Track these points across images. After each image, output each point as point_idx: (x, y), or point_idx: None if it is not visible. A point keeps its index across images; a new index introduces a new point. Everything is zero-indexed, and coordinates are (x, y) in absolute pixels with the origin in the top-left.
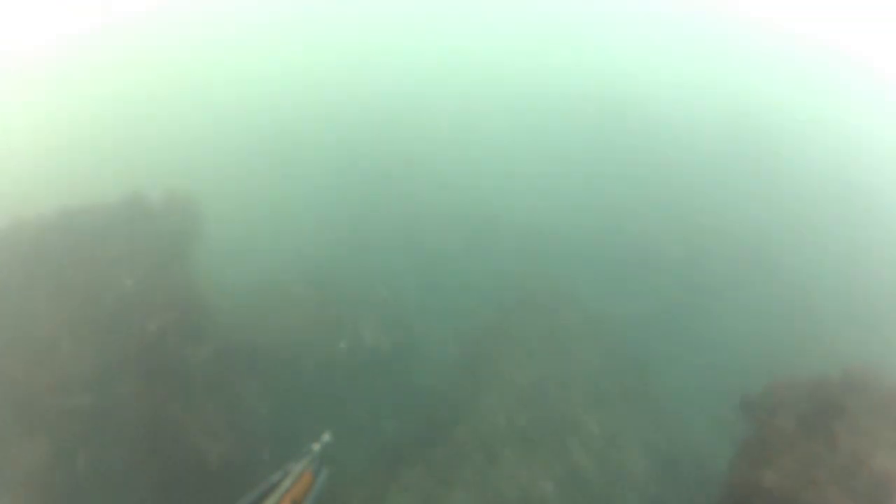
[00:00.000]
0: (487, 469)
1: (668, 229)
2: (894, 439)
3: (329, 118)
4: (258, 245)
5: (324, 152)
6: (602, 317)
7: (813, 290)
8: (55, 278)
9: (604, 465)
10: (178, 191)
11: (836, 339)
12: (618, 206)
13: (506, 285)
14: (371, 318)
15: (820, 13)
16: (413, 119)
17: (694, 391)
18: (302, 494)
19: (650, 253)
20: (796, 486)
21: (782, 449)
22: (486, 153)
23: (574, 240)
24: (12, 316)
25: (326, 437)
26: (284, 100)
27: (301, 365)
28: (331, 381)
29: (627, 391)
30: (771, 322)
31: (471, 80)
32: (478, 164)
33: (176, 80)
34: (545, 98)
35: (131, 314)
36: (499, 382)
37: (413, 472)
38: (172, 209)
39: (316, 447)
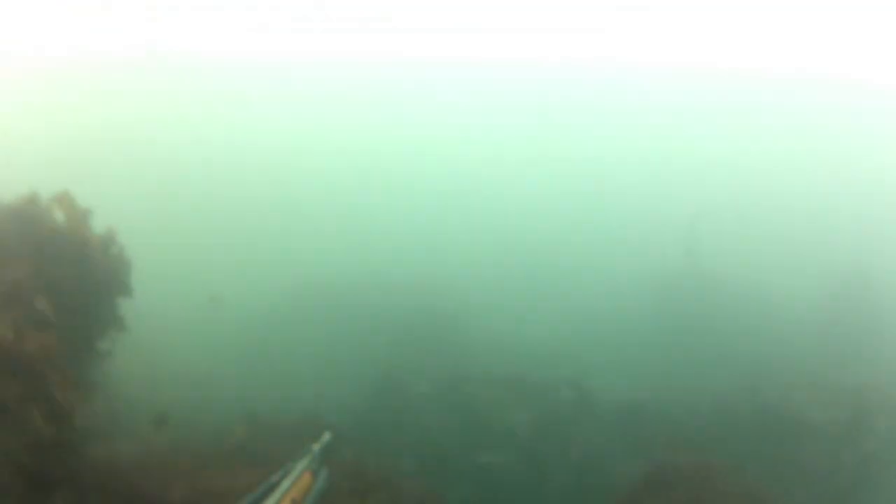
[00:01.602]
0: None
1: (810, 390)
2: None
3: (344, 246)
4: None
5: (339, 290)
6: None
7: None
8: None
9: None
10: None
11: None
12: (742, 365)
13: (609, 477)
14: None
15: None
16: (452, 257)
17: None
18: (302, 494)
19: (795, 420)
20: None
21: None
22: (549, 299)
23: (690, 408)
24: None
25: (327, 436)
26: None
27: None
28: None
29: None
30: None
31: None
32: (537, 313)
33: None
34: (614, 222)
35: None
36: None
37: None
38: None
39: (316, 447)
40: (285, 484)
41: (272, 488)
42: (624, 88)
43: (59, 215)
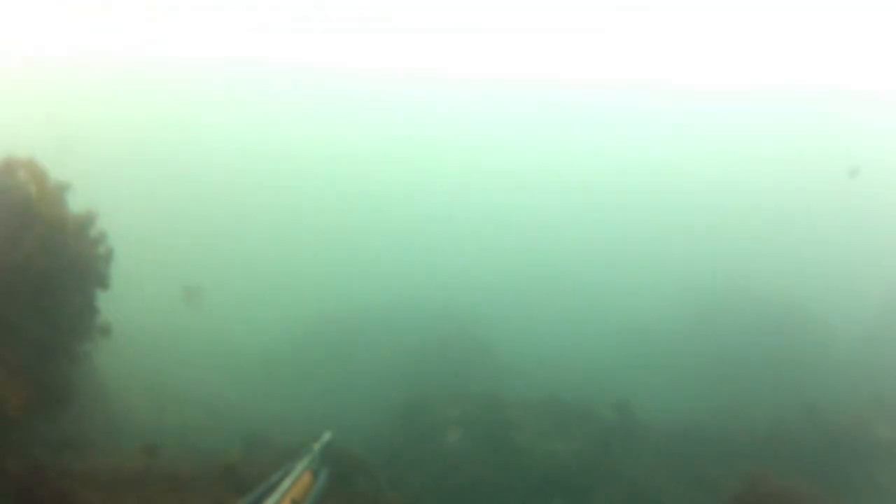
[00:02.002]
0: None
1: (873, 407)
2: None
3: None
4: None
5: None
6: None
7: None
8: None
9: None
10: None
11: None
12: (795, 382)
13: None
14: None
15: None
16: (481, 278)
17: None
18: (302, 494)
19: (863, 439)
20: None
21: None
22: (585, 319)
23: (747, 430)
24: None
25: (327, 436)
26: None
27: None
28: None
29: None
30: None
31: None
32: (572, 333)
33: None
34: (651, 237)
35: None
36: None
37: None
38: None
39: (316, 446)
40: (285, 483)
41: (272, 488)
42: (644, 104)
43: (31, 188)
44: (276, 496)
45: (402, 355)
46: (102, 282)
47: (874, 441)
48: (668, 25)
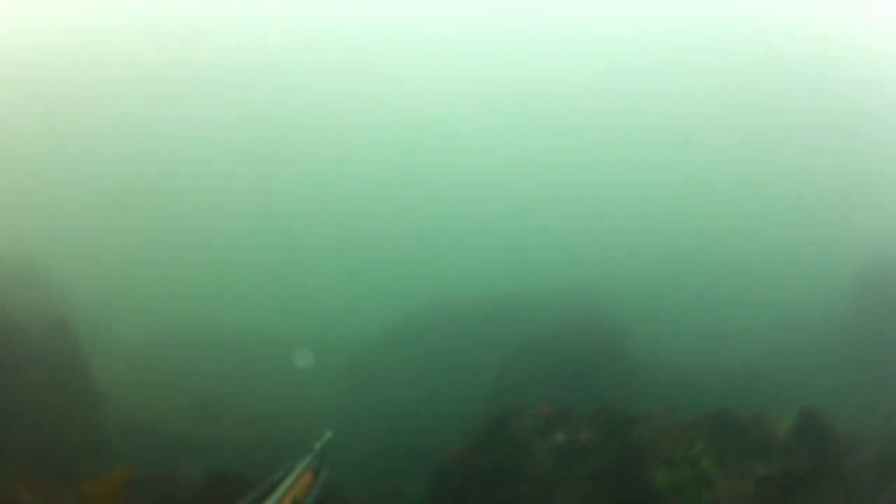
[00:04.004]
0: None
1: None
2: None
3: None
4: None
5: None
6: None
7: None
8: None
9: None
10: None
11: None
12: None
13: None
14: None
15: None
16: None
17: None
18: (303, 493)
19: None
20: None
21: None
22: (738, 309)
23: None
24: None
25: (328, 435)
26: None
27: None
28: None
29: None
30: None
31: None
32: (724, 327)
33: None
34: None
35: None
36: None
37: None
38: None
39: (317, 446)
40: (287, 482)
41: (273, 487)
42: None
43: None
44: (277, 495)
45: (499, 353)
46: None
47: None
48: None
